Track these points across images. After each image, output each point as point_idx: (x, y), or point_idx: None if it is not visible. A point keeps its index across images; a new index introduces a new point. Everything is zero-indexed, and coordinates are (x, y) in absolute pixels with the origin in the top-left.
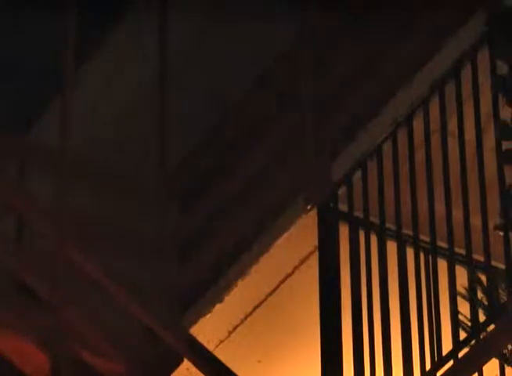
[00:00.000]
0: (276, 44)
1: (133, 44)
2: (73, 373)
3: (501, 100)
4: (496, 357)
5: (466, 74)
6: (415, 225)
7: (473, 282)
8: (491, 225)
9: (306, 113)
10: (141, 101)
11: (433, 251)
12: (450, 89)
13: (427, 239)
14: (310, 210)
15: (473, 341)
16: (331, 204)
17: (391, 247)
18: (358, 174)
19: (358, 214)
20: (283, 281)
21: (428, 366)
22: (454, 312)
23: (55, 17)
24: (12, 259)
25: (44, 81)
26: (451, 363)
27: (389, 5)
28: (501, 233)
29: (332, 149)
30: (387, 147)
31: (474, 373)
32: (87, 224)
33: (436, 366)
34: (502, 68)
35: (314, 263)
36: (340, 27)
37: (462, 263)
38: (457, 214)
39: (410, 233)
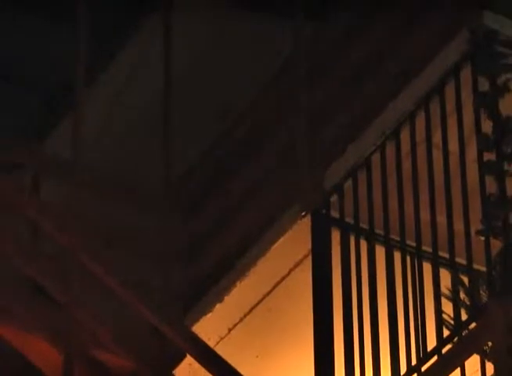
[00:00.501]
0: (276, 52)
1: (143, 57)
2: (84, 368)
3: (482, 114)
4: (477, 353)
5: (450, 90)
6: (402, 230)
7: (456, 283)
8: (473, 230)
9: (300, 127)
10: (151, 111)
11: (418, 255)
12: (435, 104)
13: (413, 243)
14: (304, 216)
15: (456, 339)
16: (324, 211)
17: (380, 251)
18: (349, 183)
19: (349, 220)
20: (279, 283)
21: (414, 362)
22: (438, 312)
23: (68, 32)
24: (26, 260)
25: (57, 95)
26: (435, 358)
27: (379, 21)
28: (482, 238)
29: (324, 160)
30: (375, 158)
31: (456, 368)
32: (95, 228)
33: (421, 361)
34: (484, 84)
35: (308, 266)
36: (330, 46)
37: (445, 266)
38: (441, 220)
39: (397, 238)
